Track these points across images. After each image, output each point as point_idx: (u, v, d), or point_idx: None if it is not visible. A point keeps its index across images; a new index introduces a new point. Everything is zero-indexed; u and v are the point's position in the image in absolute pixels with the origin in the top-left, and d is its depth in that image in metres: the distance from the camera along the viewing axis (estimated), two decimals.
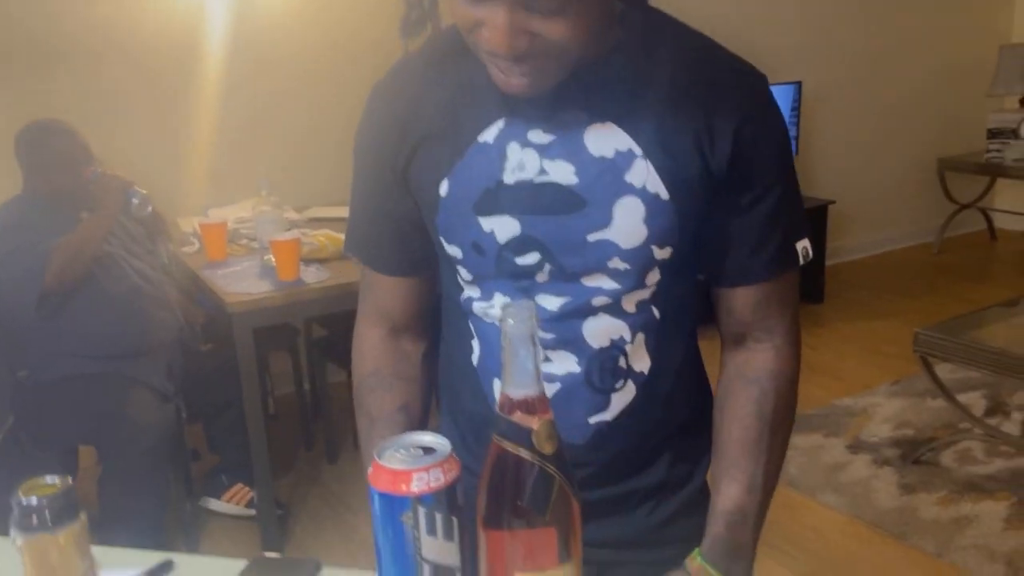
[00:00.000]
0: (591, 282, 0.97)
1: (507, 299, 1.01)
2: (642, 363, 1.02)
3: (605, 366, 1.00)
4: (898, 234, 5.46)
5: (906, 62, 5.18)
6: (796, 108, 4.43)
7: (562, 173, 0.94)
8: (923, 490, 2.84)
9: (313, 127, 3.59)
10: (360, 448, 1.15)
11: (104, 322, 2.44)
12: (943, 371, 3.43)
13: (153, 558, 1.00)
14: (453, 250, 1.01)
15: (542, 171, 0.94)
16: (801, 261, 1.02)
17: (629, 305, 0.99)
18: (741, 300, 1.03)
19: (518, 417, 0.77)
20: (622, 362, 1.01)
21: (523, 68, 0.86)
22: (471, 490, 0.80)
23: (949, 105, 5.39)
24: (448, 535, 0.75)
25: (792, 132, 4.45)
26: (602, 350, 1.00)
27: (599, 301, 0.98)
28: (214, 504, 2.82)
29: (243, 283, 2.57)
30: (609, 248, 0.95)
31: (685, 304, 1.05)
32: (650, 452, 1.06)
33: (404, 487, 0.73)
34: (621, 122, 0.93)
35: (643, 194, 0.94)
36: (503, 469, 0.79)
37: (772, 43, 4.60)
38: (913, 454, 3.03)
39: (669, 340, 1.03)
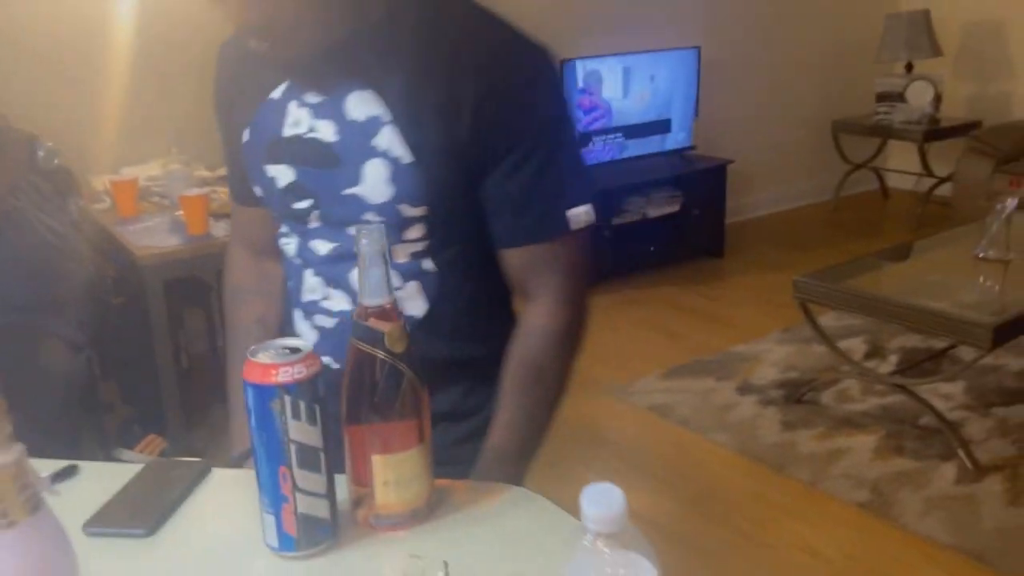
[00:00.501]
0: (352, 231, 1.06)
1: (293, 239, 1.14)
2: (416, 308, 1.11)
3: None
4: (796, 192, 5.66)
5: (800, 29, 5.35)
6: (696, 72, 4.60)
7: (326, 132, 1.05)
8: (803, 427, 3.06)
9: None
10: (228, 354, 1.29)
11: (13, 276, 2.47)
12: (829, 319, 3.67)
13: (58, 464, 1.10)
14: (257, 190, 1.15)
15: (311, 128, 1.06)
16: (574, 227, 1.07)
17: (399, 256, 1.08)
18: (509, 261, 1.10)
19: (372, 323, 0.90)
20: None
21: (258, 21, 0.97)
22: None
23: (841, 70, 5.58)
24: (311, 420, 0.87)
25: (692, 95, 4.62)
26: None
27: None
28: (127, 455, 2.88)
29: (153, 238, 2.64)
30: (361, 203, 1.05)
31: (470, 258, 1.12)
32: (440, 382, 1.09)
33: (273, 378, 0.85)
34: (378, 89, 1.03)
35: (387, 157, 1.02)
36: (360, 368, 0.91)
37: (673, 11, 4.77)
38: (795, 394, 3.24)
39: (450, 289, 1.11)
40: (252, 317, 1.27)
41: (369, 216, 1.06)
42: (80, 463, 1.10)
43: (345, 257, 1.10)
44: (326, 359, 1.00)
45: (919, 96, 5.17)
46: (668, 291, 4.23)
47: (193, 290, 3.21)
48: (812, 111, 5.54)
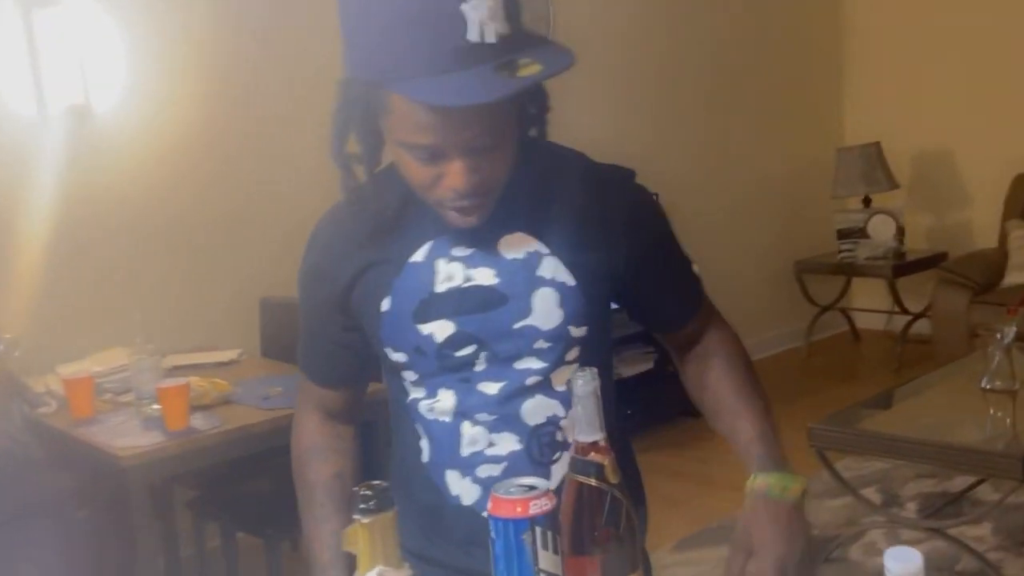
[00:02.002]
0: (522, 365, 1.34)
1: (450, 393, 1.36)
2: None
3: (543, 441, 1.35)
4: (767, 341, 5.94)
5: (752, 171, 5.84)
6: None
7: (484, 276, 1.32)
8: None
9: (169, 275, 3.84)
10: (300, 514, 1.49)
11: None
12: (839, 468, 3.94)
13: None
14: (398, 356, 1.37)
15: (467, 278, 1.32)
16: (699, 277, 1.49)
17: (558, 383, 1.35)
18: (684, 330, 1.46)
19: (592, 456, 1.12)
20: (558, 436, 1.35)
21: (476, 201, 1.24)
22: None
23: (798, 209, 6.07)
24: (555, 549, 1.07)
25: None
26: (538, 427, 1.35)
27: (532, 381, 1.34)
28: None
29: (127, 438, 2.73)
30: (533, 332, 1.32)
31: (606, 377, 1.32)
32: None
33: (525, 512, 1.05)
34: (529, 229, 1.32)
35: (554, 283, 1.31)
36: (581, 500, 1.11)
37: (628, 160, 5.21)
38: (822, 553, 3.47)
39: None
40: (331, 473, 1.48)
41: (540, 344, 1.32)
42: None
43: (515, 394, 1.33)
44: (486, 513, 1.21)
45: (882, 231, 5.68)
46: (656, 457, 4.46)
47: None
48: (774, 253, 5.98)
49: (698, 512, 3.93)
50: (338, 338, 1.44)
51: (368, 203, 1.33)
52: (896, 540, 3.50)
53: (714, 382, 1.41)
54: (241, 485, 3.22)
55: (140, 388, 2.93)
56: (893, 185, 5.73)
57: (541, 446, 1.34)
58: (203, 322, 3.88)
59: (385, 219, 1.34)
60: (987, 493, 3.66)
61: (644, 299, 1.43)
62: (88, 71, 3.62)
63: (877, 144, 5.76)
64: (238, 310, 3.86)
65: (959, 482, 3.80)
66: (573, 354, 1.34)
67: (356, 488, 0.83)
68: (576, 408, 1.10)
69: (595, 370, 1.12)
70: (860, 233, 5.74)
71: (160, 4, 3.78)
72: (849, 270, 5.80)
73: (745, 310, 5.81)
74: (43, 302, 3.53)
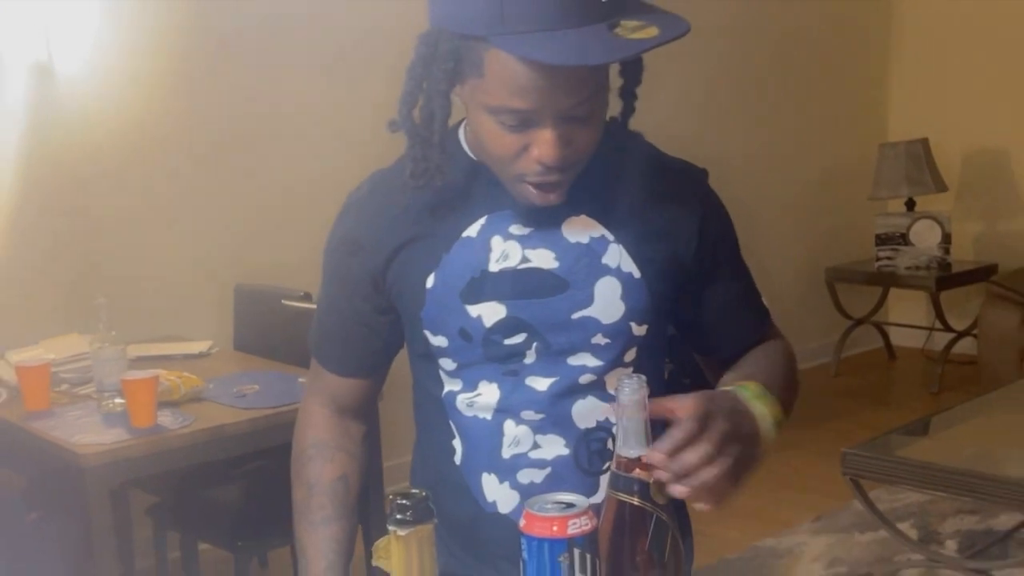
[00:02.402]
0: (576, 361, 1.34)
1: (493, 386, 1.36)
2: None
3: (592, 448, 1.36)
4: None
5: (786, 172, 5.89)
6: None
7: (544, 259, 1.33)
8: None
9: (135, 255, 3.85)
10: (294, 517, 1.48)
11: None
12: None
13: None
14: (438, 340, 1.36)
15: (524, 259, 1.33)
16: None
17: (613, 385, 1.32)
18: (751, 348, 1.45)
19: (636, 473, 1.12)
20: (609, 444, 1.34)
21: (561, 177, 1.26)
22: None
23: (833, 210, 6.12)
24: (595, 573, 1.07)
25: None
26: (588, 431, 1.35)
27: (585, 379, 1.35)
28: None
29: (87, 434, 2.73)
30: (592, 324, 1.33)
31: (657, 385, 1.35)
32: None
33: (563, 532, 1.05)
34: (594, 213, 1.35)
35: (619, 273, 1.33)
36: (623, 520, 1.12)
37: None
38: None
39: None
40: (335, 475, 1.48)
41: (598, 339, 1.33)
42: None
43: (566, 393, 1.34)
44: None
45: (925, 237, 5.70)
46: None
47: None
48: (804, 260, 6.04)
49: (714, 542, 3.93)
50: (365, 318, 1.44)
51: (435, 177, 1.31)
52: None
53: (753, 359, 1.42)
54: (209, 491, 3.23)
55: (102, 380, 2.93)
56: (941, 187, 5.75)
57: (590, 453, 1.35)
58: (172, 309, 3.89)
59: (447, 192, 1.33)
60: None
61: (708, 311, 1.43)
62: (51, 28, 3.62)
63: (924, 141, 5.77)
64: (210, 297, 3.89)
65: (1005, 520, 3.82)
66: (631, 355, 1.36)
67: (392, 495, 0.83)
68: (620, 418, 1.11)
69: (643, 378, 1.12)
70: (901, 239, 5.76)
71: None
72: (887, 280, 5.82)
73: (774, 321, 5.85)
74: None
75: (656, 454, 1.08)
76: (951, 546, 3.80)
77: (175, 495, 3.30)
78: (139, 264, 3.85)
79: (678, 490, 1.09)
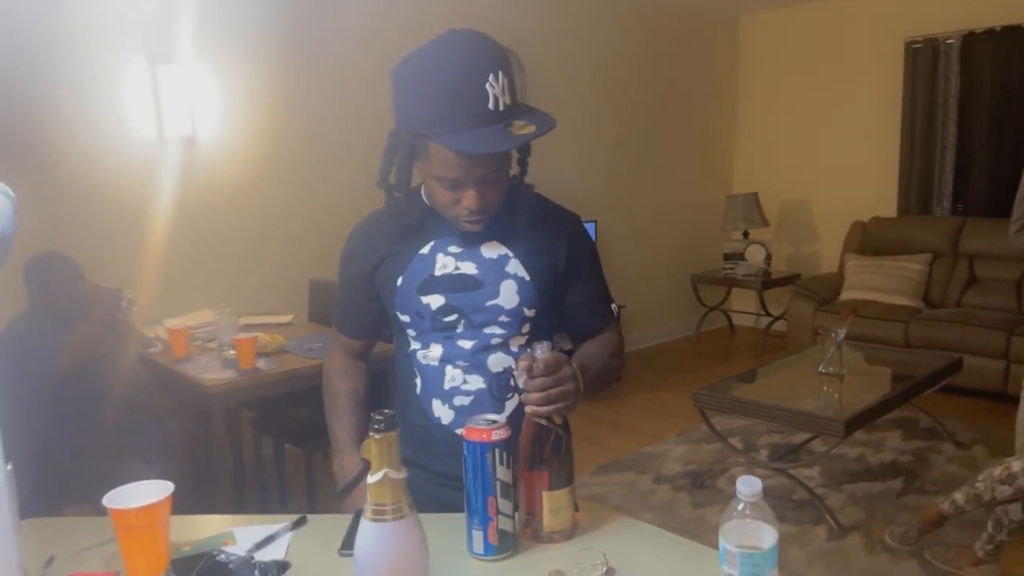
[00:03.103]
0: (489, 330, 1.38)
1: (439, 346, 1.40)
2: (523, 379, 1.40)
3: (500, 383, 1.38)
4: (668, 329, 6.08)
5: (666, 207, 5.92)
6: (595, 238, 5.08)
7: (468, 268, 1.38)
8: (708, 505, 3.33)
9: (246, 256, 3.86)
10: (326, 415, 1.56)
11: (102, 406, 2.59)
12: (714, 423, 4.01)
13: (287, 518, 1.30)
14: (404, 318, 1.42)
15: (457, 268, 1.38)
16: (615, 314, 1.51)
17: (514, 346, 1.38)
18: (593, 335, 1.47)
19: None
20: (511, 382, 1.39)
21: (482, 216, 1.32)
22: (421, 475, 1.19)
23: (696, 236, 6.15)
24: (508, 465, 1.13)
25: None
26: (498, 374, 1.38)
27: (495, 341, 1.38)
28: None
29: (211, 372, 2.78)
30: (498, 309, 1.36)
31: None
32: None
33: (489, 438, 1.11)
34: (501, 238, 1.37)
35: (515, 277, 1.36)
36: (538, 432, 1.17)
37: (575, 194, 5.29)
38: (698, 481, 3.55)
39: None
40: (350, 387, 1.54)
41: (503, 318, 1.36)
42: (308, 516, 1.31)
43: (483, 350, 1.37)
44: (460, 430, 1.28)
45: (755, 255, 5.77)
46: (583, 408, 4.52)
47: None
48: (677, 267, 6.06)
49: (609, 448, 4.01)
50: (363, 303, 1.49)
51: (402, 215, 1.38)
52: (752, 475, 3.58)
53: (588, 345, 1.45)
54: (289, 410, 3.25)
55: (221, 338, 2.98)
56: (765, 223, 5.82)
57: (499, 387, 1.38)
58: (268, 294, 3.90)
59: (410, 225, 1.39)
60: (818, 446, 3.76)
61: (569, 305, 1.44)
62: (195, 110, 3.65)
63: (755, 194, 5.84)
64: (293, 286, 3.89)
65: (799, 437, 3.90)
66: (526, 328, 1.38)
67: (372, 414, 0.87)
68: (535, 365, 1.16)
69: (550, 343, 1.18)
70: (740, 256, 5.82)
71: (247, 62, 3.81)
72: (730, 282, 5.86)
73: (653, 307, 5.93)
74: (157, 275, 3.57)
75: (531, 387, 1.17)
76: (764, 453, 3.87)
77: (267, 412, 3.34)
78: (247, 263, 3.88)
79: (540, 411, 1.17)
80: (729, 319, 6.33)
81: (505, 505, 1.13)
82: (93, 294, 2.69)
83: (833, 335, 3.59)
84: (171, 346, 2.98)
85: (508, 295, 1.36)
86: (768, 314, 5.85)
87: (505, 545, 1.14)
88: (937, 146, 5.33)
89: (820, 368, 3.59)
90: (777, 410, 3.24)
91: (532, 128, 1.20)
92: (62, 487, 2.52)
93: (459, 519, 1.17)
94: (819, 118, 5.84)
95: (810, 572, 2.79)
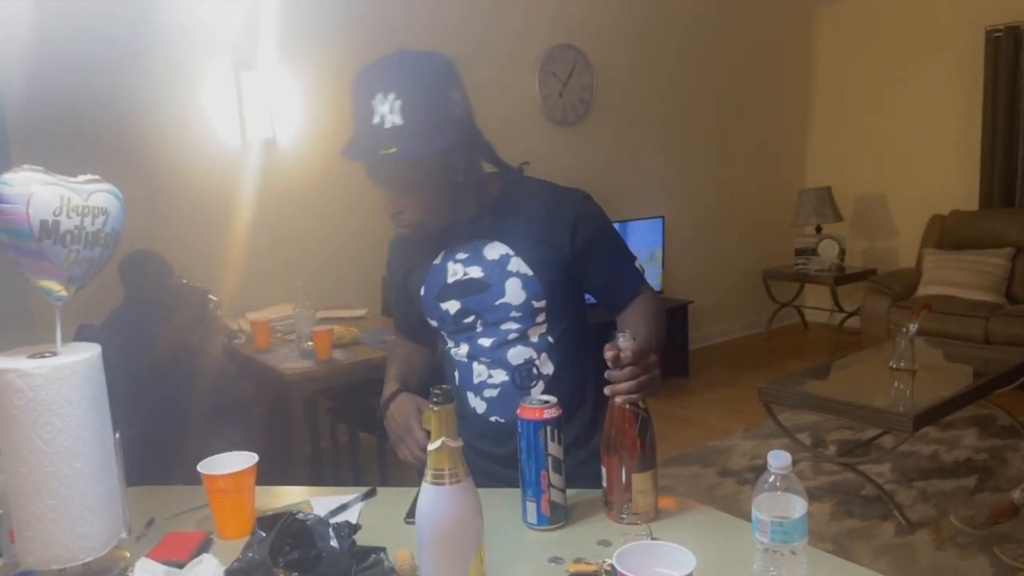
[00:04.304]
0: (504, 327, 1.43)
1: (465, 345, 1.47)
2: (548, 368, 1.44)
3: (523, 374, 1.43)
4: (739, 326, 6.04)
5: (737, 201, 5.88)
6: (662, 235, 5.11)
7: (475, 272, 1.44)
8: None
9: (323, 253, 4.02)
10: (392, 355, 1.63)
11: (192, 392, 2.79)
12: (781, 419, 4.01)
13: (359, 490, 1.42)
14: (433, 322, 1.52)
15: (465, 274, 1.45)
16: (642, 272, 1.48)
17: (533, 336, 1.43)
18: (624, 309, 1.48)
19: None
20: (534, 370, 1.45)
21: (400, 221, 1.41)
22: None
23: (768, 232, 6.08)
24: (559, 441, 1.21)
25: (659, 251, 5.10)
26: (519, 365, 1.44)
27: (512, 336, 1.44)
28: None
29: (290, 362, 2.94)
30: (507, 307, 1.40)
31: (569, 332, 1.46)
32: (568, 420, 1.35)
33: (541, 415, 1.20)
34: (502, 238, 1.41)
35: (518, 275, 1.40)
36: (623, 416, 1.20)
37: (644, 191, 5.33)
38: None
39: (562, 353, 1.45)
40: (406, 352, 1.64)
41: (514, 313, 1.41)
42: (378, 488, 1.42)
43: (502, 345, 1.44)
44: (493, 418, 1.41)
45: (828, 251, 5.69)
46: (651, 404, 4.56)
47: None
48: (748, 263, 6.01)
49: (675, 442, 4.04)
50: (409, 308, 1.57)
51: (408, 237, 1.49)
52: (819, 471, 3.58)
53: (630, 318, 1.46)
54: (363, 399, 3.33)
55: (300, 330, 3.13)
56: (839, 218, 5.73)
57: (522, 377, 1.43)
58: (344, 289, 4.04)
59: (425, 238, 1.48)
60: (887, 441, 3.72)
61: (594, 283, 1.46)
62: (275, 115, 3.83)
63: (828, 188, 5.76)
64: (367, 282, 4.02)
65: (868, 433, 3.86)
66: (541, 317, 1.42)
67: (431, 388, 0.95)
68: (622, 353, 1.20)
69: (631, 332, 1.22)
70: (812, 252, 5.75)
71: (323, 66, 3.97)
72: (803, 278, 5.79)
73: (722, 303, 5.91)
74: (241, 272, 3.75)
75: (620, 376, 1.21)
76: (832, 448, 3.85)
77: (343, 401, 3.45)
78: (324, 260, 4.02)
79: (633, 397, 1.20)
80: (802, 315, 6.25)
81: (557, 479, 1.22)
82: (184, 291, 2.88)
83: (905, 330, 3.55)
84: (254, 338, 3.16)
85: (514, 292, 1.40)
86: (842, 310, 5.76)
87: (557, 516, 1.23)
88: (1020, 136, 5.17)
89: (891, 364, 3.55)
90: (844, 404, 3.22)
91: (393, 150, 1.28)
92: (157, 467, 2.71)
93: (514, 494, 1.26)
94: (896, 110, 5.72)
95: (875, 567, 2.79)
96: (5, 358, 1.05)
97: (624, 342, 1.21)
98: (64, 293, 1.09)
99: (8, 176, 1.01)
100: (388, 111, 1.27)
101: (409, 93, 1.27)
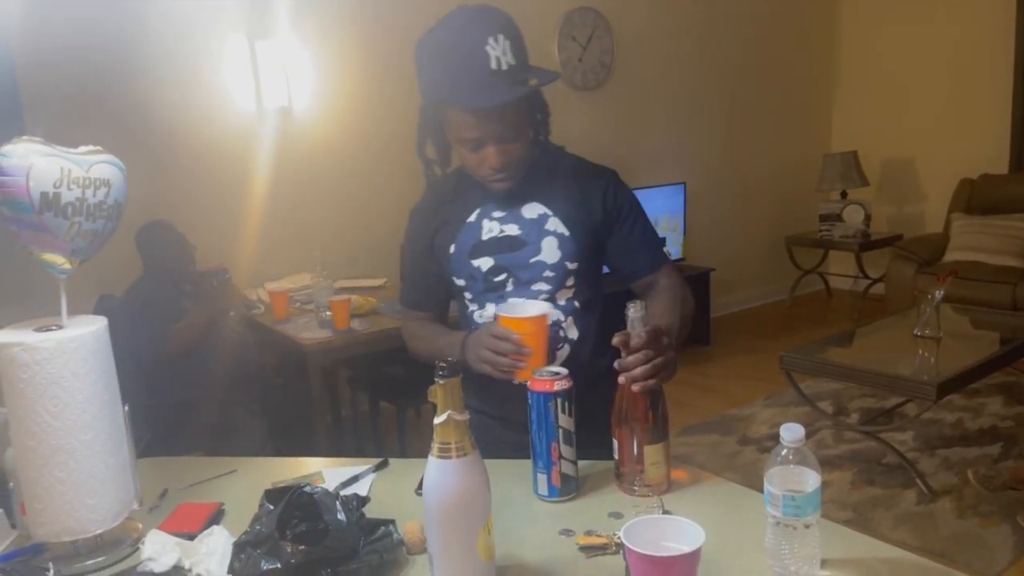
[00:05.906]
0: (536, 287, 1.46)
1: (493, 304, 1.47)
2: (573, 332, 1.46)
3: (550, 336, 1.41)
4: (761, 293, 5.99)
5: (759, 167, 5.80)
6: (683, 202, 5.05)
7: (511, 230, 1.46)
8: None
9: (340, 222, 4.02)
10: (417, 348, 1.57)
11: (213, 362, 2.80)
12: (803, 386, 3.97)
13: (371, 461, 1.42)
14: (460, 282, 1.50)
15: (501, 231, 1.46)
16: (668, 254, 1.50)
17: (561, 299, 1.46)
18: (645, 280, 1.49)
19: None
20: (561, 333, 1.46)
21: (506, 174, 1.39)
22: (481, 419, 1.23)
23: (791, 198, 6.00)
24: (570, 413, 1.20)
25: (681, 219, 5.05)
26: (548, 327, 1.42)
27: (542, 297, 1.45)
28: None
29: (309, 332, 2.95)
30: (542, 266, 1.43)
31: (593, 301, 1.49)
32: (588, 390, 1.30)
33: (552, 387, 1.19)
34: (540, 198, 1.45)
35: (555, 234, 1.43)
36: (634, 393, 1.19)
37: (665, 157, 5.26)
38: None
39: (586, 319, 1.47)
40: (424, 321, 1.60)
41: (547, 273, 1.43)
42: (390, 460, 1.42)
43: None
44: (517, 381, 1.35)
45: (853, 216, 5.60)
46: None
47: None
48: (771, 229, 5.94)
49: (695, 410, 4.03)
50: (430, 276, 1.56)
51: (440, 186, 1.48)
52: (841, 439, 3.56)
53: (656, 303, 1.45)
54: (383, 369, 3.38)
55: (318, 300, 3.13)
56: (864, 183, 5.63)
57: (549, 339, 1.39)
58: (361, 258, 4.03)
59: (457, 196, 1.48)
60: (910, 409, 3.68)
61: (617, 251, 1.48)
62: (291, 83, 3.81)
63: (854, 152, 5.65)
64: (385, 251, 3.98)
65: (891, 401, 3.81)
66: (571, 281, 1.45)
67: (436, 362, 0.94)
68: (630, 327, 1.20)
69: (642, 302, 1.21)
70: (837, 218, 5.66)
71: (338, 34, 3.93)
72: (827, 244, 5.71)
73: (745, 270, 5.85)
74: (259, 242, 3.75)
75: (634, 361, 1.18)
76: (854, 417, 3.82)
77: (363, 370, 3.47)
78: (342, 230, 4.02)
79: (649, 384, 1.19)
80: (826, 282, 6.18)
81: (567, 451, 1.21)
82: (201, 281, 2.88)
83: (930, 297, 3.48)
84: (272, 308, 3.16)
85: (550, 251, 1.43)
86: (866, 277, 5.67)
87: (568, 488, 1.22)
88: None
89: (915, 331, 3.49)
90: (866, 372, 3.19)
91: (534, 81, 1.28)
92: (176, 435, 2.74)
93: (524, 465, 1.25)
94: (925, 71, 5.58)
95: (895, 535, 2.77)
96: (10, 331, 1.05)
97: (634, 312, 1.19)
98: (68, 266, 1.08)
99: (7, 148, 0.99)
100: (502, 53, 1.27)
101: (514, 34, 1.30)
